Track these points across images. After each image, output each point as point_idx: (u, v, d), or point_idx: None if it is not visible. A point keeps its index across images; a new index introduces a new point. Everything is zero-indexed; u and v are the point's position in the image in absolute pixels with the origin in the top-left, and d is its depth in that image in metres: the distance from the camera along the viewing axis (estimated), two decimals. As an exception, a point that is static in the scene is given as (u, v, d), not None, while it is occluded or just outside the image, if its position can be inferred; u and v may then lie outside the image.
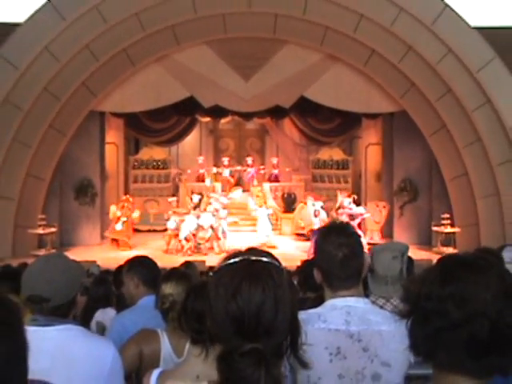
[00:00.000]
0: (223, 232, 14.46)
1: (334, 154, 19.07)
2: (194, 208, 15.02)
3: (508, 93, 13.37)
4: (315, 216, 14.35)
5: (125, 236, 15.02)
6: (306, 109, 16.17)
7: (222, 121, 19.27)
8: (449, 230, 14.21)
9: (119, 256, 12.50)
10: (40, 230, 13.91)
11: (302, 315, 1.70)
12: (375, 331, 2.07)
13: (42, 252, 12.50)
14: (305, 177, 19.37)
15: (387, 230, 15.94)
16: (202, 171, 18.60)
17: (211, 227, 14.36)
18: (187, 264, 5.40)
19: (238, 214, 16.28)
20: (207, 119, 18.43)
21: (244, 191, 17.67)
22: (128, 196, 15.84)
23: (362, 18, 13.69)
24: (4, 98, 13.22)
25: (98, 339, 2.35)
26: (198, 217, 14.49)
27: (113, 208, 15.12)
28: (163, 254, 13.94)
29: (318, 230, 2.25)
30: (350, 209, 14.27)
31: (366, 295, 2.44)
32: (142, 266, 3.48)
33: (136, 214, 15.27)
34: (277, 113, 16.77)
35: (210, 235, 14.41)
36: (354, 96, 14.98)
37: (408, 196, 15.85)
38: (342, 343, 2.05)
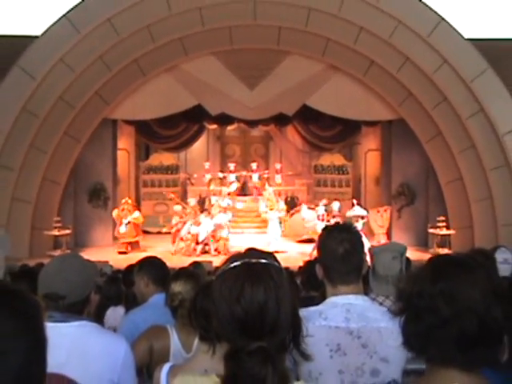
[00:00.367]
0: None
1: (335, 159, 19.07)
2: (202, 211, 15.23)
3: (500, 101, 13.43)
4: (321, 220, 14.39)
5: (130, 237, 15.02)
6: (308, 116, 16.32)
7: (229, 128, 19.40)
8: (444, 232, 14.25)
9: (130, 256, 12.82)
10: (55, 232, 14.10)
11: (304, 312, 1.72)
12: (374, 328, 2.09)
13: (57, 252, 12.63)
14: (307, 181, 19.40)
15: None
16: (208, 176, 18.56)
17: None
18: (195, 264, 5.45)
19: (245, 217, 16.49)
20: (214, 126, 18.48)
21: (246, 195, 17.94)
22: (127, 199, 15.69)
23: (361, 30, 13.89)
24: (22, 107, 13.45)
25: (111, 335, 2.42)
26: (212, 217, 14.61)
27: (115, 212, 15.16)
28: (171, 255, 13.93)
29: (323, 229, 2.36)
30: (344, 213, 14.41)
31: (366, 293, 2.46)
32: (151, 265, 3.55)
33: (135, 215, 15.15)
34: (280, 120, 16.91)
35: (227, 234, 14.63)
36: (354, 104, 15.12)
37: (406, 199, 15.92)
38: (342, 340, 2.08)
